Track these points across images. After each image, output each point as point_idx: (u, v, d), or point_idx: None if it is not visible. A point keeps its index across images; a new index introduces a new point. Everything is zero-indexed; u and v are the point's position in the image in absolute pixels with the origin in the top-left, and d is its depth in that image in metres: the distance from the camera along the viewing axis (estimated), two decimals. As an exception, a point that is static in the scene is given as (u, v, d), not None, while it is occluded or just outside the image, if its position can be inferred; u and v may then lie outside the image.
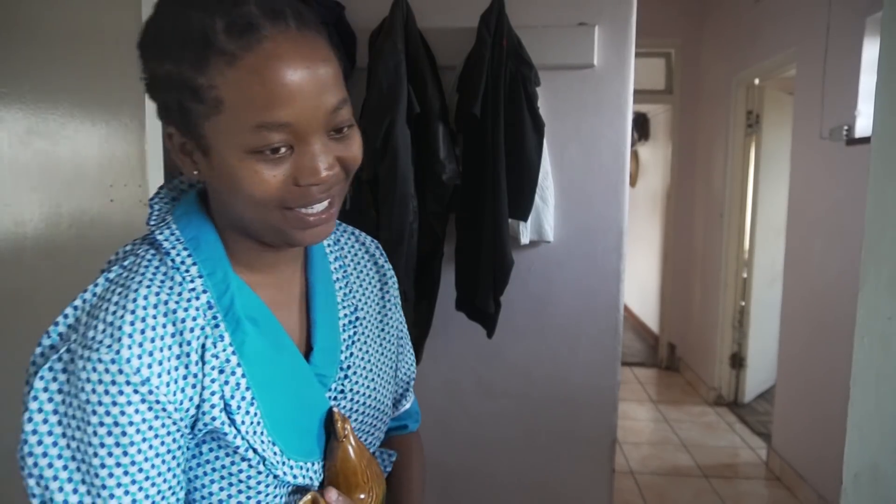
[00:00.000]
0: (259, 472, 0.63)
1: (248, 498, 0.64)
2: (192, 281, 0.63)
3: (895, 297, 0.80)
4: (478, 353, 2.19)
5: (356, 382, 0.74)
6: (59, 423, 0.56)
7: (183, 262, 0.63)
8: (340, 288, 0.76)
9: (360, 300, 0.78)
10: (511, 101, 1.89)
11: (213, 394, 0.61)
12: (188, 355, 0.60)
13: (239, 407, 0.62)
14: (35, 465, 0.56)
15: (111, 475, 0.56)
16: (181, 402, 0.59)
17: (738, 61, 3.78)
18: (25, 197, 1.33)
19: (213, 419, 0.61)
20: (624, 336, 2.35)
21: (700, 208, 4.46)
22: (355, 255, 0.81)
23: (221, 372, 0.61)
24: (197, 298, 0.62)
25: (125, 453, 0.56)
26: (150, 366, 0.57)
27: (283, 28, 0.57)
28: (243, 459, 0.62)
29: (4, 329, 1.37)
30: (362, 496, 0.70)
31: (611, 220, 2.10)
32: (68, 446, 0.56)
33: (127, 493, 0.56)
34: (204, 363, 0.61)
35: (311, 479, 0.67)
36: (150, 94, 0.62)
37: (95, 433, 0.55)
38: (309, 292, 0.73)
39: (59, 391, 0.57)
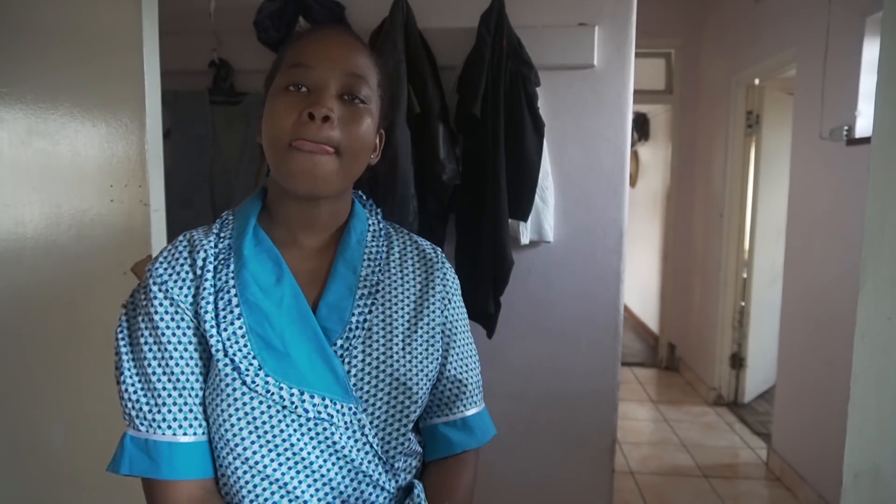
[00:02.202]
0: (227, 376, 0.73)
1: (229, 405, 0.73)
2: (226, 229, 0.82)
3: (895, 297, 0.80)
4: (478, 354, 2.19)
5: (368, 346, 0.79)
6: (129, 325, 0.77)
7: (226, 220, 0.83)
8: (368, 266, 0.84)
9: (388, 283, 0.84)
10: (511, 101, 1.89)
11: (207, 302, 0.75)
12: (194, 271, 0.77)
13: (225, 318, 0.74)
14: (118, 353, 0.76)
15: (150, 351, 0.74)
16: (188, 303, 0.76)
17: (737, 61, 3.78)
18: (25, 197, 1.33)
19: (204, 321, 0.74)
20: (624, 336, 2.35)
21: (700, 208, 4.46)
22: (403, 251, 0.89)
23: (218, 290, 0.76)
24: (221, 239, 0.80)
25: (155, 335, 0.74)
26: (168, 273, 0.76)
27: (329, 27, 0.82)
28: (218, 363, 0.73)
29: (4, 329, 1.37)
30: None
31: (611, 220, 2.10)
32: (130, 339, 0.76)
33: (158, 363, 0.74)
34: (202, 278, 0.76)
35: (293, 402, 0.73)
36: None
37: (142, 322, 0.75)
38: (335, 260, 0.83)
39: (133, 306, 0.78)
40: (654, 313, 5.31)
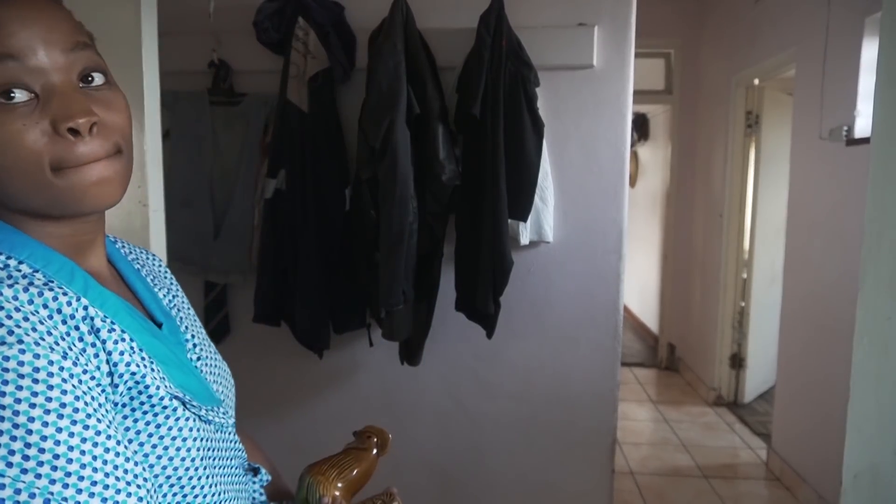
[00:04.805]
0: (188, 420, 0.63)
1: (198, 450, 0.64)
2: (31, 275, 0.57)
3: (895, 297, 0.80)
4: (477, 354, 2.19)
5: (202, 350, 0.76)
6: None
7: (6, 265, 0.57)
8: (146, 275, 0.77)
9: (165, 287, 0.80)
10: (511, 101, 1.89)
11: (122, 354, 0.59)
12: (78, 328, 0.57)
13: (145, 365, 0.61)
14: None
15: (82, 453, 0.50)
16: (95, 368, 0.56)
17: (737, 61, 3.78)
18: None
19: (133, 375, 0.59)
20: (623, 336, 2.35)
21: (700, 208, 4.46)
22: (148, 260, 0.84)
23: (116, 342, 0.59)
24: (49, 287, 0.57)
25: (82, 426, 0.51)
26: (56, 342, 0.53)
27: None
28: (172, 412, 0.61)
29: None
30: None
31: (610, 220, 2.10)
32: (8, 465, 0.47)
33: (95, 458, 0.51)
34: (97, 332, 0.58)
35: (218, 420, 0.70)
36: None
37: (45, 424, 0.49)
38: (122, 276, 0.73)
39: None
40: (654, 313, 5.31)
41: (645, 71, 4.40)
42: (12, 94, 0.54)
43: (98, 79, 0.60)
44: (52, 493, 0.48)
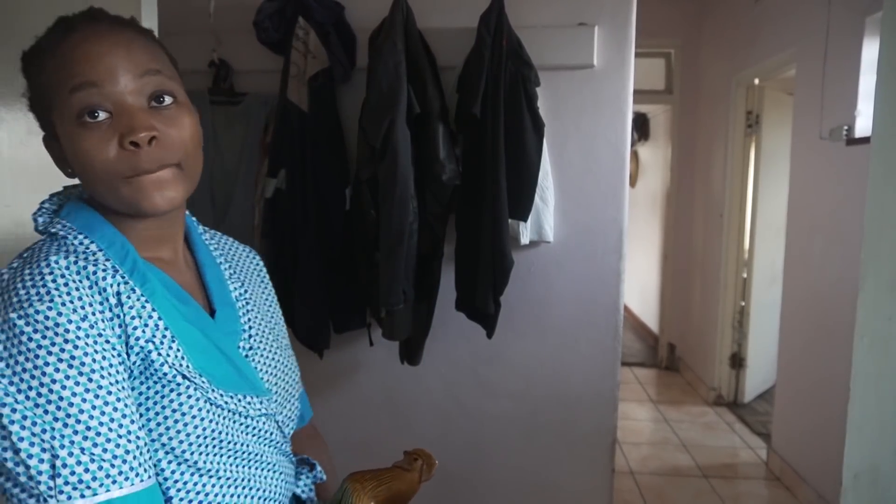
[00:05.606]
0: (190, 398, 0.70)
1: (195, 427, 0.70)
2: (93, 253, 0.70)
3: (895, 297, 0.81)
4: (477, 354, 2.19)
5: (261, 342, 0.85)
6: (15, 386, 0.60)
7: (81, 242, 0.71)
8: (226, 270, 0.87)
9: (246, 282, 0.90)
10: (511, 101, 1.89)
11: (135, 329, 0.68)
12: (107, 300, 0.67)
13: (161, 343, 0.69)
14: (7, 423, 0.59)
15: (84, 401, 0.61)
16: (116, 336, 0.67)
17: (737, 61, 3.78)
18: (25, 197, 1.33)
19: (143, 348, 0.68)
20: (624, 336, 2.35)
21: (700, 208, 4.46)
22: (237, 253, 0.95)
23: (139, 317, 0.69)
24: (96, 263, 0.69)
25: (87, 378, 0.62)
26: (83, 307, 0.64)
27: (87, 20, 0.69)
28: (176, 386, 0.69)
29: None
30: None
31: (611, 220, 2.10)
32: (31, 400, 0.60)
33: (101, 412, 0.62)
34: (122, 306, 0.68)
35: (245, 408, 0.76)
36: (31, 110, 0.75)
37: (58, 372, 0.61)
38: (198, 266, 0.84)
39: (4, 363, 0.61)
40: (654, 313, 5.31)
41: (645, 71, 4.40)
42: (96, 114, 0.67)
43: (167, 100, 0.71)
44: (54, 429, 0.60)
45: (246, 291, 0.87)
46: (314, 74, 2.00)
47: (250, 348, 0.82)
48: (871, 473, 0.84)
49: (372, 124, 1.85)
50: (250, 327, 0.84)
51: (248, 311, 0.85)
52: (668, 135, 4.84)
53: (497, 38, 1.88)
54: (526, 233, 2.03)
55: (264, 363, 0.83)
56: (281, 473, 0.83)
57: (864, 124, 2.49)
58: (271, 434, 0.81)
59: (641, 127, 5.75)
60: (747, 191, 3.91)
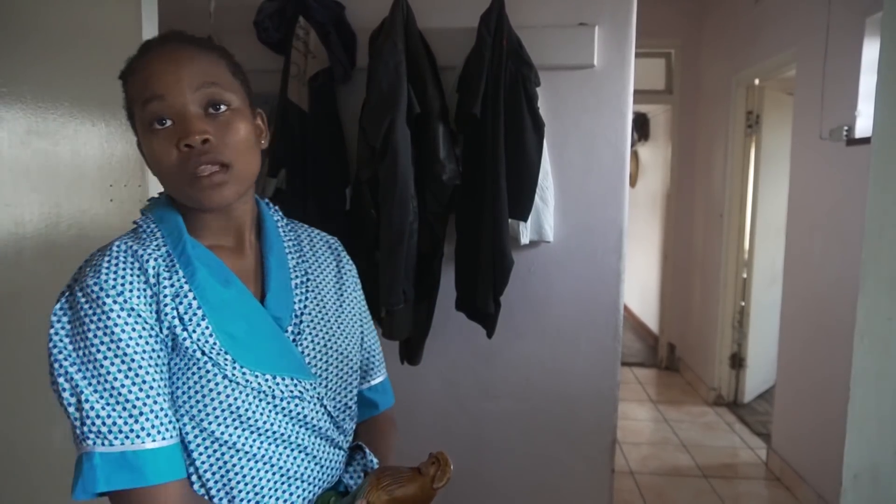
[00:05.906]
0: (209, 373, 0.78)
1: (212, 400, 0.78)
2: (155, 239, 0.83)
3: (895, 297, 0.81)
4: (477, 354, 2.19)
5: (313, 328, 0.90)
6: (71, 340, 0.75)
7: (150, 230, 0.84)
8: (293, 258, 0.94)
9: (312, 270, 0.95)
10: (511, 101, 1.89)
11: (166, 305, 0.78)
12: (147, 280, 0.78)
13: (191, 320, 0.79)
14: (60, 371, 0.74)
15: (112, 364, 0.74)
16: (149, 310, 0.77)
17: (738, 61, 3.78)
18: (25, 197, 1.33)
19: (171, 324, 0.78)
20: (624, 336, 2.35)
21: (700, 208, 4.46)
22: (311, 242, 1.00)
23: (176, 296, 0.79)
24: (157, 248, 0.81)
25: (118, 347, 0.74)
26: (122, 284, 0.76)
27: (161, 42, 0.82)
28: (196, 361, 0.78)
29: (4, 329, 1.37)
30: None
31: (611, 220, 2.10)
32: (77, 354, 0.74)
33: (125, 375, 0.74)
34: (159, 285, 0.78)
35: (271, 387, 0.81)
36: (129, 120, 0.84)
37: (95, 336, 0.74)
38: (263, 256, 0.91)
39: (67, 320, 0.75)
40: (654, 313, 5.31)
41: (645, 71, 4.39)
42: (164, 122, 0.78)
43: (222, 107, 0.82)
44: (88, 385, 0.73)
45: (309, 279, 0.93)
46: (314, 74, 2.00)
47: (299, 333, 0.88)
48: (871, 473, 0.84)
49: (372, 124, 1.85)
50: (303, 313, 0.89)
51: (305, 297, 0.91)
52: (668, 135, 4.84)
53: (497, 38, 1.88)
54: (526, 233, 2.03)
55: (314, 348, 0.88)
56: (314, 457, 0.86)
57: (864, 124, 2.48)
58: (311, 417, 0.85)
59: (641, 127, 5.75)
60: (747, 191, 3.91)
